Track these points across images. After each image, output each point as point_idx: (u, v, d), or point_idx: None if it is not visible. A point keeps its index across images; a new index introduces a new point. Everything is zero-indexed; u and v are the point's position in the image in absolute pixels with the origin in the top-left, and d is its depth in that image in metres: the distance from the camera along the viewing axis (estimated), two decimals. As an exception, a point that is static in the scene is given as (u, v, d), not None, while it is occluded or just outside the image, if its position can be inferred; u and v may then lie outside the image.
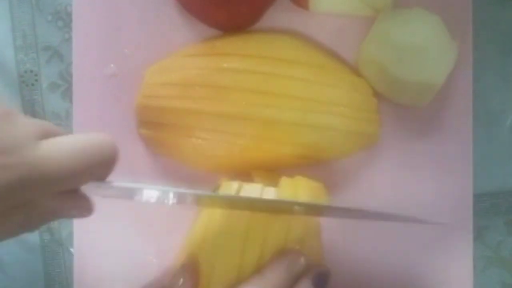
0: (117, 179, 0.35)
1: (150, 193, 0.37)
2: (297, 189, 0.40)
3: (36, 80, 0.47)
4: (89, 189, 0.34)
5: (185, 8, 0.45)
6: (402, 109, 0.45)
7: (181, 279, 0.40)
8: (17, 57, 0.47)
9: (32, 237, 0.47)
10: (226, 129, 0.42)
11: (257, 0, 0.43)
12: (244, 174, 0.44)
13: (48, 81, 0.47)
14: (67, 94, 0.47)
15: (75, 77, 0.46)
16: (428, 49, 0.41)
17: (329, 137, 0.43)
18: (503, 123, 0.46)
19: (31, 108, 0.47)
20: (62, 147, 0.31)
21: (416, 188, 0.45)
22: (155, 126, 0.44)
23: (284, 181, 0.41)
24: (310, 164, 0.44)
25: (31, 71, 0.47)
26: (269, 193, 0.41)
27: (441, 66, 0.42)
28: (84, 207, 0.35)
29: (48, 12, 0.47)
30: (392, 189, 0.45)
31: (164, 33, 0.45)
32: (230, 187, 0.41)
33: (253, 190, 0.40)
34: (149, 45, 0.45)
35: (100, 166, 0.33)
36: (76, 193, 0.34)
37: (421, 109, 0.45)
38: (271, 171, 0.43)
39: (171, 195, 0.38)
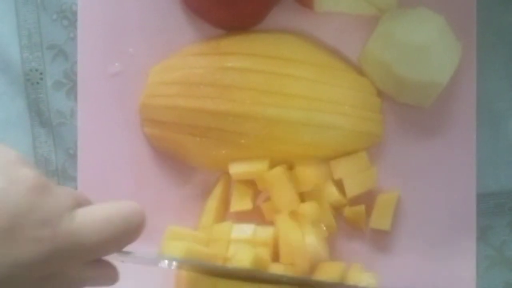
0: (140, 249, 0.36)
1: (170, 262, 0.39)
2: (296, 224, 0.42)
3: (41, 79, 0.47)
4: (113, 257, 0.35)
5: (189, 8, 0.45)
6: (406, 109, 0.45)
7: None
8: (23, 55, 0.47)
9: None
10: (230, 128, 0.42)
11: (262, 0, 0.43)
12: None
13: (53, 80, 0.47)
14: (72, 92, 0.47)
15: (79, 75, 0.46)
16: (432, 49, 0.41)
17: (332, 136, 0.43)
18: (507, 122, 0.46)
19: (36, 107, 0.47)
20: (94, 218, 0.32)
21: (419, 187, 0.45)
22: (159, 124, 0.44)
23: (281, 219, 0.42)
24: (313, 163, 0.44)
25: (36, 70, 0.47)
26: (264, 231, 0.42)
27: (445, 66, 0.42)
28: (110, 276, 0.36)
29: (53, 11, 0.47)
30: (395, 188, 0.45)
31: (168, 33, 0.46)
32: (222, 229, 0.42)
33: (245, 229, 0.42)
34: (153, 44, 0.46)
35: (129, 236, 0.34)
36: (102, 262, 0.35)
37: (425, 109, 0.45)
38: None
39: (188, 263, 0.40)
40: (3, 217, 0.29)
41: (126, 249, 0.35)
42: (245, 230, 0.42)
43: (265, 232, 0.42)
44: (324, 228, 0.43)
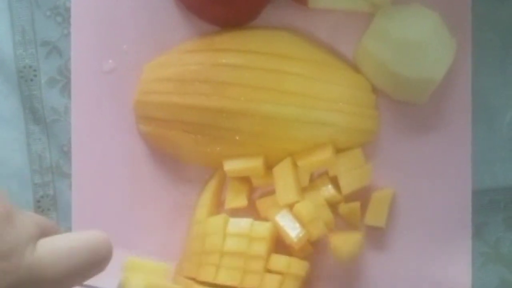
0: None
1: None
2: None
3: (35, 76, 0.47)
4: None
5: (183, 4, 0.45)
6: (401, 105, 0.45)
7: None
8: (16, 52, 0.47)
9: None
10: (224, 124, 0.42)
11: (256, -4, 0.43)
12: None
13: (47, 77, 0.47)
14: (66, 89, 0.47)
15: (73, 72, 0.46)
16: (426, 45, 0.41)
17: (327, 132, 0.43)
18: (502, 119, 0.46)
19: (30, 104, 0.47)
20: (58, 249, 0.31)
21: (414, 184, 0.45)
22: (153, 121, 0.44)
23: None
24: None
25: (30, 67, 0.47)
26: (261, 226, 0.41)
27: (440, 62, 0.42)
28: None
29: (47, 7, 0.47)
30: (390, 185, 0.44)
31: (162, 29, 0.45)
32: (216, 223, 0.42)
33: (242, 224, 0.41)
34: (147, 41, 0.45)
35: (94, 268, 0.33)
36: None
37: (419, 105, 0.44)
38: (271, 172, 0.43)
39: None
40: None
41: (89, 281, 0.33)
42: (242, 224, 0.41)
43: (262, 227, 0.41)
44: (323, 225, 0.42)
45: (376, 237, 0.45)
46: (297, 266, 0.41)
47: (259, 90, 0.42)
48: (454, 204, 0.44)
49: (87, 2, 0.46)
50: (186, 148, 0.44)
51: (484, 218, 0.46)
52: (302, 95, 0.42)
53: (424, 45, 0.41)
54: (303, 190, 0.43)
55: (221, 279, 0.41)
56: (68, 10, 0.46)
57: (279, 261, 0.41)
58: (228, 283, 0.41)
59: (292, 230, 0.41)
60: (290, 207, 0.42)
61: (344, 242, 0.43)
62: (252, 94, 0.42)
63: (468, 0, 0.44)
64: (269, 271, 0.41)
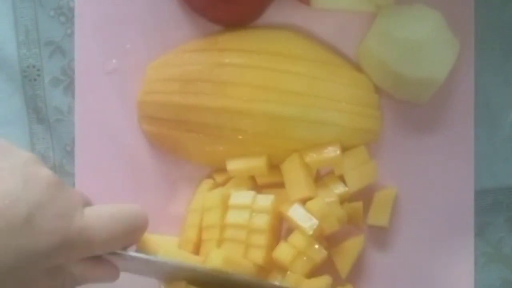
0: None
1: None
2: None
3: (39, 75, 0.47)
4: (114, 259, 0.38)
5: (187, 4, 0.45)
6: (403, 105, 0.45)
7: None
8: (20, 52, 0.47)
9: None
10: (227, 124, 0.42)
11: (259, -4, 0.44)
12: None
13: (50, 76, 0.47)
14: (69, 89, 0.47)
15: (77, 72, 0.46)
16: (429, 45, 0.41)
17: (330, 132, 0.43)
18: (505, 119, 0.46)
19: (33, 103, 0.47)
20: (102, 216, 0.36)
21: (416, 184, 0.45)
22: (156, 121, 0.44)
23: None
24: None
25: (34, 66, 0.47)
26: (265, 199, 0.41)
27: (443, 63, 0.42)
28: (111, 274, 0.39)
29: (50, 7, 0.47)
30: (392, 185, 0.44)
31: (165, 29, 0.46)
32: (216, 196, 0.42)
33: (244, 196, 0.41)
34: (150, 40, 0.46)
35: (132, 235, 0.38)
36: (104, 260, 0.38)
37: (422, 106, 0.44)
38: (274, 171, 0.43)
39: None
40: (23, 209, 0.32)
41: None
42: (244, 196, 0.41)
43: (264, 200, 0.41)
44: (335, 221, 0.42)
45: (379, 236, 0.45)
46: (316, 250, 0.41)
47: (262, 90, 0.42)
48: (457, 204, 0.44)
49: (90, 2, 0.46)
50: (189, 148, 0.44)
51: (487, 218, 0.46)
52: (305, 94, 0.42)
53: (427, 45, 0.41)
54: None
55: (224, 251, 0.40)
56: (71, 10, 0.46)
57: (300, 238, 0.40)
58: (232, 255, 0.40)
59: (306, 222, 0.40)
60: (301, 202, 0.42)
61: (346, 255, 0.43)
62: (255, 94, 0.42)
63: (471, 0, 0.44)
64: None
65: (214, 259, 0.39)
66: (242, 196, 0.41)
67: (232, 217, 0.41)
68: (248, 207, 0.41)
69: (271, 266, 0.41)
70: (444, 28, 0.42)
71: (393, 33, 0.42)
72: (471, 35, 0.44)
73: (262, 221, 0.41)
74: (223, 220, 0.41)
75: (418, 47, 0.41)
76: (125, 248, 0.38)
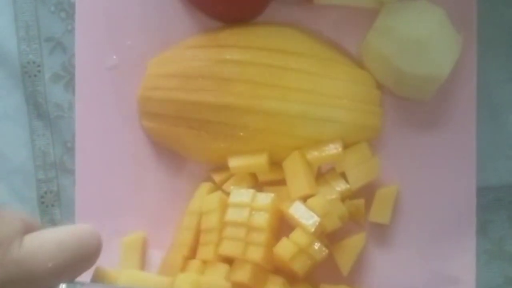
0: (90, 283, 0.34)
1: None
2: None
3: (39, 71, 0.47)
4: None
5: (188, 0, 0.45)
6: (406, 102, 0.45)
7: None
8: (20, 48, 0.47)
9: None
10: (228, 121, 0.42)
11: (261, -8, 0.43)
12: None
13: (51, 72, 0.47)
14: (70, 85, 0.47)
15: (77, 68, 0.46)
16: (432, 42, 0.41)
17: (331, 129, 0.42)
18: (507, 116, 0.46)
19: (33, 100, 0.47)
20: (45, 243, 0.31)
21: (418, 181, 0.44)
22: (157, 117, 0.44)
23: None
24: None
25: (34, 62, 0.47)
26: (264, 198, 0.41)
27: (445, 59, 0.42)
28: None
29: (51, 3, 0.47)
30: (394, 182, 0.44)
31: (166, 25, 0.45)
32: (215, 199, 0.42)
33: (244, 195, 0.41)
34: (151, 36, 0.45)
35: (84, 263, 0.33)
36: None
37: (425, 102, 0.44)
38: (275, 168, 0.43)
39: None
40: None
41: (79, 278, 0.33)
42: (244, 194, 0.41)
43: (264, 198, 0.41)
44: (337, 219, 0.42)
45: (380, 233, 0.44)
46: (317, 248, 0.40)
47: (263, 86, 0.42)
48: (459, 201, 0.44)
49: (91, -3, 0.46)
50: (190, 144, 0.44)
51: (489, 215, 0.46)
52: (307, 91, 0.42)
53: (430, 41, 0.41)
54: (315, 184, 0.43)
55: (223, 250, 0.40)
56: (72, 6, 0.46)
57: (302, 236, 0.40)
58: (231, 254, 0.40)
59: (307, 220, 0.40)
60: (303, 199, 0.42)
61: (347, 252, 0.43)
62: (256, 90, 0.42)
63: (474, -4, 0.44)
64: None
65: (182, 282, 0.38)
66: (241, 194, 0.41)
67: (232, 215, 0.41)
68: (247, 205, 0.41)
69: (270, 265, 0.41)
70: (447, 24, 0.42)
71: (395, 30, 0.42)
72: (474, 32, 0.44)
73: (262, 219, 0.40)
74: (222, 223, 0.41)
75: (420, 43, 0.41)
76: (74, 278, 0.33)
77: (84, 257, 0.32)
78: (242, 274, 0.40)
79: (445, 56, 0.42)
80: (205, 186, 0.44)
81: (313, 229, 0.40)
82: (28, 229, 0.31)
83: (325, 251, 0.41)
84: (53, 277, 0.31)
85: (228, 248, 0.40)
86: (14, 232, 0.30)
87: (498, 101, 0.46)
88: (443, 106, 0.45)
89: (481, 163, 0.45)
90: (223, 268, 0.41)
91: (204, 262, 0.42)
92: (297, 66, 0.42)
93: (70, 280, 0.32)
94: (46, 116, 0.47)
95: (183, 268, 0.42)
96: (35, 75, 0.47)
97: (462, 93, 0.45)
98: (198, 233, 0.43)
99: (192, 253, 0.43)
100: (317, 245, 0.40)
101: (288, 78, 0.42)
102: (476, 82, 0.44)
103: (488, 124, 0.46)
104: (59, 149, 0.47)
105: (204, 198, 0.43)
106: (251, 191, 0.41)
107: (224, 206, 0.42)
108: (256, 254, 0.40)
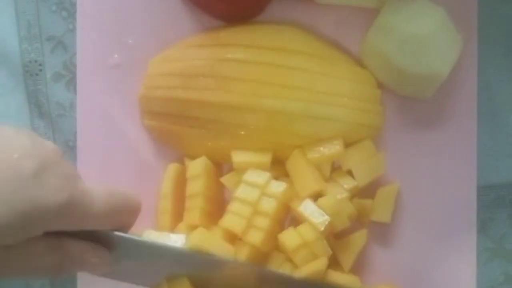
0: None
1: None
2: None
3: (41, 70, 0.47)
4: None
5: (189, -1, 0.45)
6: (406, 101, 0.45)
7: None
8: (22, 47, 0.47)
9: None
10: (229, 119, 0.42)
11: (261, -9, 0.43)
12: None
13: (52, 71, 0.47)
14: (71, 84, 0.47)
15: (79, 67, 0.46)
16: (432, 41, 0.41)
17: (332, 128, 0.42)
18: (508, 115, 0.46)
19: (35, 98, 0.47)
20: (100, 189, 0.38)
21: (419, 180, 0.44)
22: (158, 116, 0.44)
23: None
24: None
25: (35, 61, 0.47)
26: (276, 186, 0.41)
27: (446, 58, 0.42)
28: (104, 261, 0.39)
29: (52, 2, 0.47)
30: (395, 181, 0.44)
31: (168, 24, 0.45)
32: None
33: (259, 176, 0.41)
34: (153, 35, 0.45)
35: (126, 214, 0.40)
36: (99, 246, 0.39)
37: (425, 101, 0.44)
38: (277, 166, 0.43)
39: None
40: (32, 164, 0.34)
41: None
42: (260, 176, 0.41)
43: (277, 185, 0.41)
44: (346, 218, 0.42)
45: (382, 231, 0.45)
46: (321, 247, 0.40)
47: (264, 85, 0.42)
48: (460, 200, 0.44)
49: (92, -3, 0.46)
50: (191, 143, 0.44)
51: (490, 214, 0.46)
52: (307, 90, 0.42)
53: (430, 40, 0.41)
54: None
55: (225, 223, 0.41)
56: (73, 5, 0.46)
57: (309, 231, 0.40)
58: (232, 229, 0.41)
59: (317, 218, 0.40)
60: (312, 197, 0.42)
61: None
62: (257, 89, 0.42)
63: (475, -5, 0.44)
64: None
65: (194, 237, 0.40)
66: (257, 175, 0.41)
67: (242, 192, 0.41)
68: (260, 186, 0.41)
69: (268, 249, 0.41)
70: (447, 23, 0.42)
71: (396, 29, 0.42)
72: (475, 31, 0.44)
73: (269, 205, 0.41)
74: (207, 189, 0.42)
75: (421, 42, 0.41)
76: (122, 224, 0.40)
77: (129, 209, 0.40)
78: (240, 256, 0.40)
79: (446, 55, 0.42)
80: (173, 167, 0.44)
81: (322, 228, 0.40)
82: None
83: (328, 252, 0.41)
84: (102, 219, 0.38)
85: (231, 222, 0.41)
86: (76, 173, 0.38)
87: (498, 99, 0.46)
88: (443, 105, 0.45)
89: (482, 162, 0.45)
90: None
91: (191, 227, 0.42)
92: (298, 65, 0.43)
93: (113, 228, 0.39)
94: (48, 115, 0.47)
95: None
96: (36, 74, 0.47)
97: (463, 92, 0.45)
98: (175, 214, 0.44)
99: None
100: (322, 244, 0.40)
101: (289, 76, 0.42)
102: (477, 80, 0.44)
103: (489, 122, 0.46)
104: (61, 148, 0.47)
105: (189, 164, 0.43)
106: (268, 174, 0.41)
107: (208, 172, 0.43)
108: (256, 237, 0.40)
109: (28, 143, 0.35)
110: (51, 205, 0.34)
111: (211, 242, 0.40)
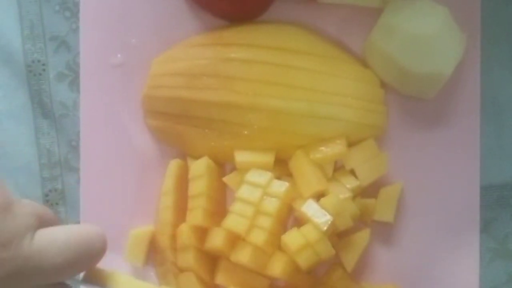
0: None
1: None
2: None
3: (44, 70, 0.47)
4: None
5: (192, -1, 0.45)
6: (409, 101, 0.45)
7: None
8: (25, 47, 0.47)
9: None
10: (232, 119, 0.42)
11: (265, -9, 0.43)
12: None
13: (56, 71, 0.47)
14: (75, 84, 0.47)
15: (82, 67, 0.46)
16: (436, 40, 0.41)
17: (336, 127, 0.42)
18: (511, 115, 0.46)
19: (38, 98, 0.47)
20: (56, 240, 0.32)
21: (422, 179, 0.44)
22: (161, 116, 0.44)
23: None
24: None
25: (39, 61, 0.47)
26: (278, 186, 0.41)
27: (449, 58, 0.42)
28: None
29: (55, 2, 0.47)
30: (398, 180, 0.44)
31: (171, 23, 0.45)
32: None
33: (261, 175, 0.41)
34: (156, 35, 0.45)
35: (89, 260, 0.34)
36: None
37: (428, 101, 0.44)
38: (280, 166, 0.43)
39: None
40: None
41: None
42: (262, 175, 0.41)
43: (280, 186, 0.41)
44: (349, 218, 0.42)
45: (384, 231, 0.45)
46: (324, 247, 0.40)
47: (267, 85, 0.42)
48: (463, 199, 0.44)
49: (95, -4, 0.46)
50: (195, 143, 0.44)
51: (493, 213, 0.46)
52: (311, 89, 0.42)
53: (433, 40, 0.41)
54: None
55: (228, 224, 0.41)
56: (76, 4, 0.46)
57: (313, 231, 0.40)
58: (235, 229, 0.41)
59: (320, 218, 0.40)
60: (315, 197, 0.42)
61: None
62: (260, 89, 0.42)
63: (478, -5, 0.44)
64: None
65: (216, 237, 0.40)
66: (259, 175, 0.42)
67: (244, 192, 0.41)
68: (262, 187, 0.41)
69: (270, 250, 0.41)
70: (450, 23, 0.42)
71: (399, 28, 0.42)
72: (478, 30, 0.44)
73: (272, 205, 0.41)
74: (210, 189, 0.42)
75: (424, 42, 0.41)
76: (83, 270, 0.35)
77: (89, 256, 0.34)
78: (243, 256, 0.41)
79: (449, 54, 0.42)
80: (175, 163, 0.44)
81: (325, 228, 0.40)
82: (43, 223, 0.32)
83: (331, 252, 0.41)
84: (59, 273, 0.32)
85: (234, 223, 0.41)
86: (26, 228, 0.31)
87: (502, 99, 0.46)
88: (447, 104, 0.45)
89: (485, 161, 0.45)
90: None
91: (194, 227, 0.42)
92: (301, 65, 0.43)
93: (73, 276, 0.34)
94: (51, 114, 0.47)
95: (171, 246, 0.43)
96: (40, 74, 0.47)
97: (466, 91, 0.45)
98: (177, 210, 0.43)
99: (175, 232, 0.43)
100: (325, 245, 0.40)
101: (292, 76, 0.42)
102: (480, 80, 0.44)
103: (492, 122, 0.46)
104: (64, 147, 0.47)
105: (192, 164, 0.43)
106: (269, 174, 0.42)
107: (211, 171, 0.43)
108: (259, 238, 0.40)
109: None
110: None
111: None
